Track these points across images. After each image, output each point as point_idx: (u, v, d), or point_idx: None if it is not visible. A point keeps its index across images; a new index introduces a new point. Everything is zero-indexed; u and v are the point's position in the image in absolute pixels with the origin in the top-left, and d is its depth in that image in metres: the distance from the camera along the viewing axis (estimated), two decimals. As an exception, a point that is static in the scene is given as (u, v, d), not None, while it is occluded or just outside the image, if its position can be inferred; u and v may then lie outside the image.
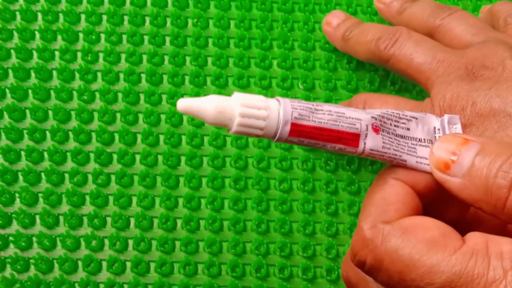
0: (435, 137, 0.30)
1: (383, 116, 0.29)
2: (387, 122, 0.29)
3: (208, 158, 0.43)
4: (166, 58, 0.46)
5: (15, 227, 0.41)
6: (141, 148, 0.43)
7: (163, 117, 0.44)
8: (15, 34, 0.45)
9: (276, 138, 0.27)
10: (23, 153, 0.43)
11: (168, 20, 0.47)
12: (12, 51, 0.45)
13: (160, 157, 0.43)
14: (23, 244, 0.41)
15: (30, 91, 0.44)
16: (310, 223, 0.42)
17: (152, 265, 0.41)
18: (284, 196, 0.43)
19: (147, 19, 0.47)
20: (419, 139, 0.30)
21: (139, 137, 0.44)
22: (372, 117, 0.28)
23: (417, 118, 0.30)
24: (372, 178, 0.44)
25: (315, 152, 0.44)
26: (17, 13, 0.46)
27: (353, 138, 0.28)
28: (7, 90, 0.44)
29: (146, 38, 0.46)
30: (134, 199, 0.42)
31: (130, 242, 0.42)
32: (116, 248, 0.41)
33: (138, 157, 0.43)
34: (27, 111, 0.44)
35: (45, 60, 0.45)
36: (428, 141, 0.30)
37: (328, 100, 0.45)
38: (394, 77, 0.46)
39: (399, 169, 0.29)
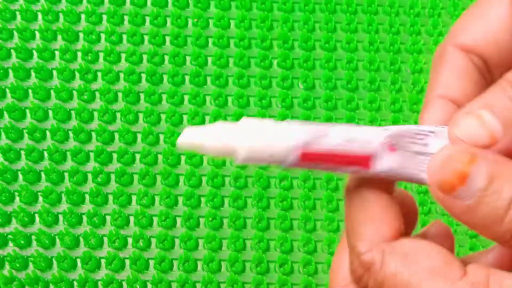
0: None
1: (398, 134, 0.28)
2: (402, 139, 0.28)
3: (208, 156, 0.43)
4: (166, 58, 0.46)
5: (14, 225, 0.41)
6: (141, 147, 0.43)
7: (163, 116, 0.44)
8: (15, 34, 0.45)
9: (286, 165, 0.25)
10: (23, 152, 0.43)
11: (168, 20, 0.47)
12: (12, 50, 0.45)
13: (160, 156, 0.43)
14: (22, 242, 0.41)
15: (30, 90, 0.44)
16: (311, 219, 0.42)
17: (152, 262, 0.41)
18: (285, 193, 0.43)
19: (147, 19, 0.47)
20: None
21: (139, 136, 0.44)
22: (387, 136, 0.27)
23: (435, 132, 0.29)
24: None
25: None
26: (17, 13, 0.46)
27: (367, 159, 0.27)
28: (7, 90, 0.44)
29: (146, 38, 0.46)
30: (134, 198, 0.42)
31: (130, 240, 0.41)
32: (115, 246, 0.41)
33: (138, 156, 0.43)
34: (27, 111, 0.44)
35: (45, 60, 0.45)
36: None
37: (328, 99, 0.45)
38: (394, 77, 0.46)
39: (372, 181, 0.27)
